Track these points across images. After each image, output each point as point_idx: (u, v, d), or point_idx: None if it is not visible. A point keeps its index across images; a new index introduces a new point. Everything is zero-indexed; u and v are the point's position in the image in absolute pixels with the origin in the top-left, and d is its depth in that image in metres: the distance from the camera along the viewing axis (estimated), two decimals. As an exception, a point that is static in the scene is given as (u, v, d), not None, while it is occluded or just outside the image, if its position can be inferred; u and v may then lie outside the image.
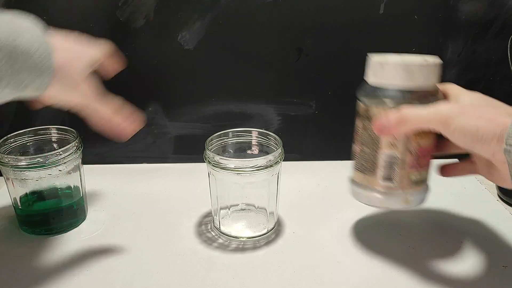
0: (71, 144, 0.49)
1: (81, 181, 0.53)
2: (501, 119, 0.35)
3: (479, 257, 0.47)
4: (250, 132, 0.53)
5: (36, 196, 0.51)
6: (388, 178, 0.41)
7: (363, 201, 0.43)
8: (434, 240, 0.49)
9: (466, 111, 0.36)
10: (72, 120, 0.65)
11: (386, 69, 0.39)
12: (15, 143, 0.51)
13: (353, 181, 0.44)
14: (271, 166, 0.47)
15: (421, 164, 0.41)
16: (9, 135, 0.51)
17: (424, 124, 0.38)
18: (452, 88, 0.42)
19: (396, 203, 0.41)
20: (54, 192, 0.51)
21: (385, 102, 0.39)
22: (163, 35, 0.62)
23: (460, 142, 0.36)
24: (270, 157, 0.47)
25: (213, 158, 0.47)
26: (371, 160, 0.41)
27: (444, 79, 0.41)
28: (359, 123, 0.42)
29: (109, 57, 0.48)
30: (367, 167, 0.41)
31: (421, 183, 0.42)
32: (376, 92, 0.40)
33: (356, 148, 0.43)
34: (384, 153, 0.40)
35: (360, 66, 0.42)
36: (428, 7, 0.62)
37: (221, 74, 0.65)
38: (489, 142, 0.35)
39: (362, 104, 0.41)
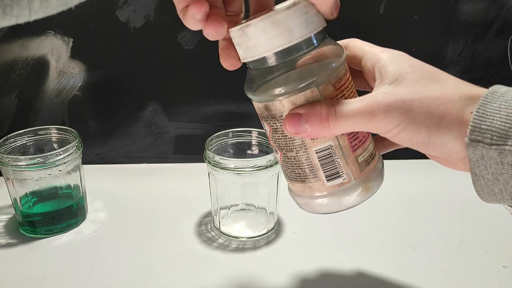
0: (71, 144, 0.49)
1: (81, 181, 0.53)
2: (456, 112, 0.28)
3: (479, 257, 0.47)
4: (250, 132, 0.53)
5: (36, 196, 0.51)
6: (334, 174, 0.32)
7: (318, 211, 0.34)
8: (434, 240, 0.49)
9: (413, 105, 0.28)
10: (72, 120, 0.65)
11: (249, 33, 0.29)
12: (15, 143, 0.51)
13: (295, 193, 0.35)
14: (271, 166, 0.47)
15: (361, 137, 0.32)
16: (9, 135, 0.51)
17: (356, 126, 0.29)
18: (371, 53, 0.33)
19: (358, 198, 0.32)
20: (54, 192, 0.51)
21: (274, 84, 0.30)
22: (163, 35, 0.62)
23: (406, 144, 0.30)
24: (270, 157, 0.47)
25: (213, 158, 0.47)
26: (303, 164, 0.32)
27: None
28: (265, 126, 0.33)
29: None
30: (303, 174, 0.32)
31: (372, 159, 0.33)
32: (259, 73, 0.30)
33: (279, 156, 0.33)
34: (314, 149, 0.31)
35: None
36: (428, 7, 0.62)
37: (221, 74, 0.65)
38: (445, 144, 0.29)
39: (253, 101, 0.33)
